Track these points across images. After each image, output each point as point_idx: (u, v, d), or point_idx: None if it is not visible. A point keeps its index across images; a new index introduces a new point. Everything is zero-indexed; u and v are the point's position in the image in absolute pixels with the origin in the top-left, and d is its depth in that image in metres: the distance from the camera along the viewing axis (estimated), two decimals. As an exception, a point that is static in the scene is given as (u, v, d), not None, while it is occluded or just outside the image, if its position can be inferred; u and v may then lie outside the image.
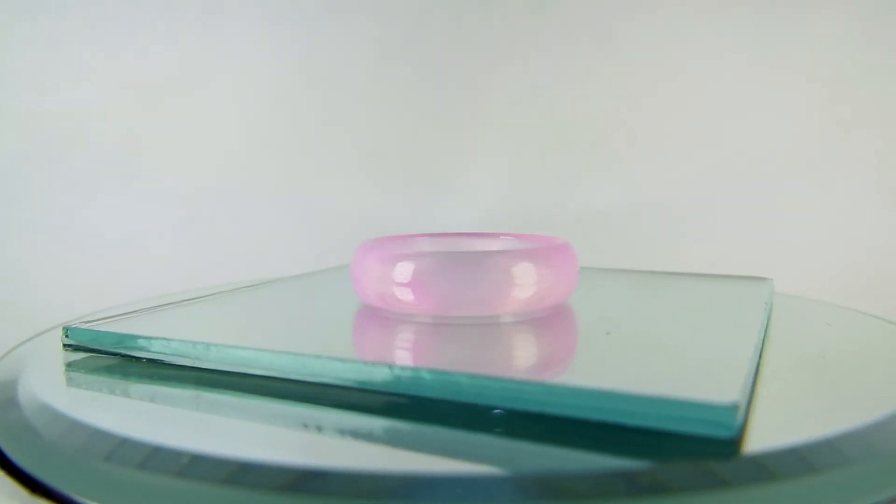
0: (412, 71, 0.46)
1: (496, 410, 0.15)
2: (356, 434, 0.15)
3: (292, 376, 0.18)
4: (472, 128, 0.47)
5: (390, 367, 0.16)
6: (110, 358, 0.21)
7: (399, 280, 0.22)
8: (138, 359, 0.20)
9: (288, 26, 0.45)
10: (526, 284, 0.22)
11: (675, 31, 0.45)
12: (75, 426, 0.15)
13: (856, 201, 0.43)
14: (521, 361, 0.20)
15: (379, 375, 0.16)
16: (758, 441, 0.13)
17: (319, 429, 0.15)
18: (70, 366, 0.20)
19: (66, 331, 0.21)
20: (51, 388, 0.18)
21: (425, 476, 0.13)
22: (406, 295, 0.22)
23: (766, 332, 0.22)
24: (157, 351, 0.20)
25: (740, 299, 0.26)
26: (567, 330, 0.23)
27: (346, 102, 0.46)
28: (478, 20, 0.46)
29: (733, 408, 0.13)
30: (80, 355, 0.21)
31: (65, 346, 0.21)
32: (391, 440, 0.15)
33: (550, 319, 0.23)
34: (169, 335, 0.20)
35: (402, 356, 0.20)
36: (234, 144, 0.45)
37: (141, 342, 0.20)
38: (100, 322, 0.22)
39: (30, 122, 0.41)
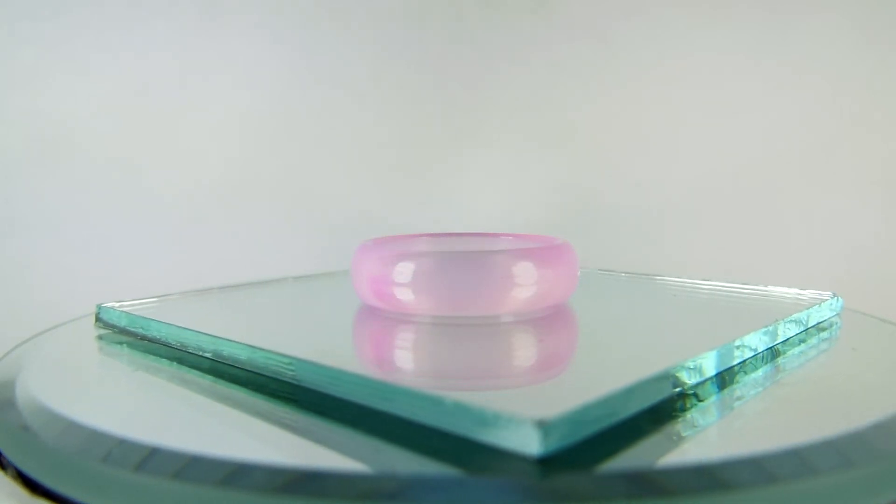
0: (412, 71, 0.46)
1: None
2: (354, 434, 0.15)
3: (282, 377, 0.18)
4: (473, 127, 0.47)
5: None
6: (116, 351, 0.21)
7: (399, 280, 0.22)
8: (154, 342, 0.22)
9: (288, 26, 0.45)
10: (526, 284, 0.22)
11: (675, 31, 0.45)
12: (73, 427, 0.15)
13: (857, 201, 0.43)
14: (515, 361, 0.20)
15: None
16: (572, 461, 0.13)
17: (318, 430, 0.15)
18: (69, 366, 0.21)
19: (99, 309, 0.25)
20: (49, 388, 0.18)
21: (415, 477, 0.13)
22: (406, 295, 0.22)
23: (778, 350, 0.21)
24: (173, 339, 0.22)
25: (754, 312, 0.24)
26: (563, 331, 0.23)
27: (346, 102, 0.46)
28: (478, 20, 0.46)
29: (537, 426, 0.13)
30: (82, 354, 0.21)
31: (96, 321, 0.25)
32: (388, 441, 0.15)
33: (550, 319, 0.23)
34: (189, 326, 0.21)
35: (399, 356, 0.20)
36: (234, 144, 0.45)
37: (158, 328, 0.22)
38: (127, 305, 0.25)
39: (30, 122, 0.41)
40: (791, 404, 0.17)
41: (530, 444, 0.13)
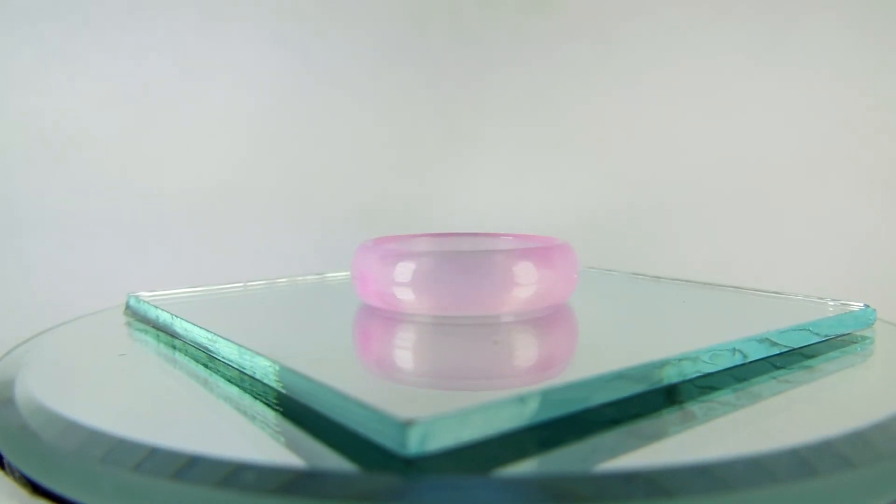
0: (412, 71, 0.46)
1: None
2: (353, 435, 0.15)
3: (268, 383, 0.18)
4: (473, 127, 0.47)
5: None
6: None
7: (399, 280, 0.22)
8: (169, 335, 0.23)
9: (288, 26, 0.45)
10: (526, 284, 0.22)
11: (675, 32, 0.45)
12: (72, 427, 0.15)
13: (857, 201, 0.43)
14: (515, 361, 0.20)
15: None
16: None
17: (315, 430, 0.15)
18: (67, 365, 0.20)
19: (129, 298, 0.27)
20: (48, 388, 0.18)
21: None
22: (406, 295, 0.22)
23: (776, 359, 0.20)
24: (183, 333, 0.22)
25: (761, 319, 0.23)
26: (563, 330, 0.23)
27: (346, 102, 0.46)
28: (478, 20, 0.46)
29: (404, 426, 0.13)
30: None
31: (126, 309, 0.27)
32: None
33: (550, 319, 0.23)
34: (196, 322, 0.22)
35: (400, 356, 0.20)
36: (234, 144, 0.45)
37: (168, 321, 0.23)
38: (152, 296, 0.27)
39: (30, 121, 0.41)
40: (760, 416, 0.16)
41: (401, 443, 0.13)
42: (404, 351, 0.21)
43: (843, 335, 0.22)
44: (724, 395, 0.17)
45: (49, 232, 0.42)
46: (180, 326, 0.22)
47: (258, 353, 0.18)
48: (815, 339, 0.21)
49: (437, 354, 0.20)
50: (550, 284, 0.22)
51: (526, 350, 0.21)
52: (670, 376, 0.17)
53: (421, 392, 0.17)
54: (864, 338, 0.22)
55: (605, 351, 0.20)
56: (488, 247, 0.27)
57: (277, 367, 0.17)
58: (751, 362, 0.19)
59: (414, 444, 0.13)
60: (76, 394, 0.19)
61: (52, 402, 0.17)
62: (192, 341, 0.22)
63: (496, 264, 0.22)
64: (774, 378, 0.18)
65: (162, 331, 0.24)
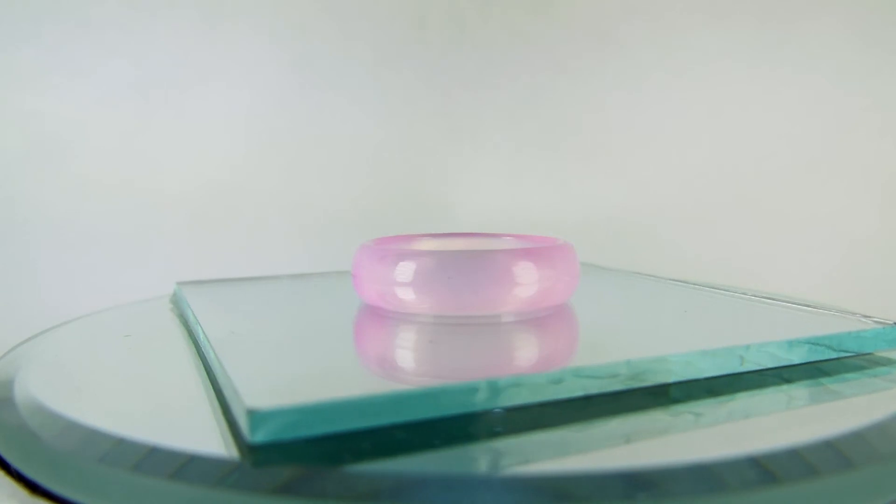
0: (412, 71, 0.46)
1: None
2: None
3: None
4: (473, 128, 0.47)
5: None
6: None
7: (400, 280, 0.22)
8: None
9: (287, 26, 0.45)
10: (527, 284, 0.22)
11: (675, 32, 0.45)
12: (71, 427, 0.15)
13: (855, 201, 0.43)
14: (513, 360, 0.20)
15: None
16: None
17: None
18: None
19: (176, 285, 0.28)
20: (48, 388, 0.18)
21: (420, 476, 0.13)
22: (407, 294, 0.22)
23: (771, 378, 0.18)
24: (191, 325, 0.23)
25: (763, 330, 0.22)
26: (565, 330, 0.23)
27: (346, 103, 0.46)
28: (478, 20, 0.46)
29: (247, 413, 0.13)
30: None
31: (172, 296, 0.28)
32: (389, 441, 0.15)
33: (551, 319, 0.23)
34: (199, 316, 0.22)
35: (400, 356, 0.21)
36: (234, 145, 0.45)
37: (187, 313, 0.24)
38: (195, 285, 0.28)
39: (30, 122, 0.41)
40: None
41: (247, 430, 0.13)
42: (381, 348, 0.21)
43: (866, 354, 0.20)
44: (722, 401, 0.17)
45: (49, 232, 0.42)
46: (191, 317, 0.23)
47: (211, 344, 0.18)
48: (829, 355, 0.20)
49: (420, 353, 0.20)
50: (551, 284, 0.22)
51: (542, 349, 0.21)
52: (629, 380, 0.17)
53: (371, 385, 0.17)
54: (891, 360, 0.20)
55: (603, 350, 0.20)
56: (489, 247, 0.27)
57: (214, 355, 0.17)
58: (752, 371, 0.18)
59: (256, 432, 0.13)
60: (76, 393, 0.18)
61: (52, 401, 0.17)
62: (191, 330, 0.23)
63: (497, 264, 0.22)
64: (782, 391, 0.18)
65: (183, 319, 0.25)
